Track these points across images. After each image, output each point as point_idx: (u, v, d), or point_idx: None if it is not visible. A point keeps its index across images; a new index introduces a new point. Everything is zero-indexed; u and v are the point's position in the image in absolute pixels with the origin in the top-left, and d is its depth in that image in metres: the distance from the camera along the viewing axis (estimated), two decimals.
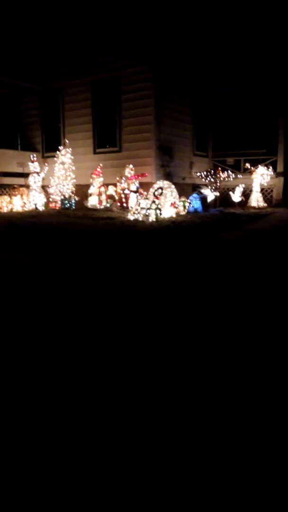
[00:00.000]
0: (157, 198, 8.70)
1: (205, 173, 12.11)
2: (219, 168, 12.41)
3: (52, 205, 11.56)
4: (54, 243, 6.72)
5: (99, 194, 9.98)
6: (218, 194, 11.89)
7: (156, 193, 8.78)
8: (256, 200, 12.14)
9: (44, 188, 11.95)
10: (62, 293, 3.76)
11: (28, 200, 11.76)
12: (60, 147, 11.72)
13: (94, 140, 11.91)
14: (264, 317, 3.00)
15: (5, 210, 11.24)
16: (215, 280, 4.18)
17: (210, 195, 11.42)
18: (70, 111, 12.32)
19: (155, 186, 9.14)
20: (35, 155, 12.25)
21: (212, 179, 11.85)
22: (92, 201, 10.23)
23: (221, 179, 11.78)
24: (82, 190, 11.60)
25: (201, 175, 12.16)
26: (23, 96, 13.41)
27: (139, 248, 6.02)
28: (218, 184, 11.81)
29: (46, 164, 12.08)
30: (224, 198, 12.51)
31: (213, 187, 11.68)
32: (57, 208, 11.41)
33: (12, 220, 9.31)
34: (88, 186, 11.22)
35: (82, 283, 4.16)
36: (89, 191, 10.17)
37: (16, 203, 11.37)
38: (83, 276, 4.49)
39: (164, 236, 6.83)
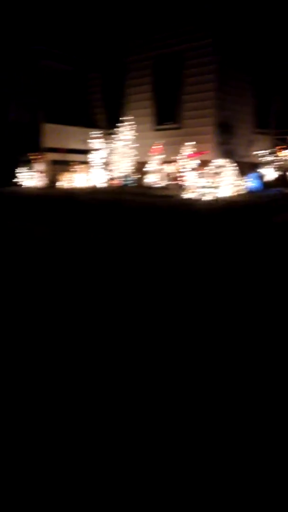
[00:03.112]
0: (215, 176, 8.72)
1: (266, 151, 11.81)
2: (281, 147, 12.05)
3: (112, 182, 11.89)
4: (111, 219, 7.03)
5: (158, 172, 10.12)
6: (278, 173, 11.60)
7: (214, 171, 8.79)
8: None
9: (104, 165, 12.29)
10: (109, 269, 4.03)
11: (89, 177, 12.18)
12: (121, 124, 11.93)
13: (155, 117, 11.98)
14: None
15: (66, 186, 11.76)
16: (267, 262, 4.26)
17: (270, 174, 11.18)
18: (132, 88, 12.43)
19: (214, 164, 9.14)
20: (97, 132, 12.57)
21: (273, 158, 11.56)
22: (151, 179, 10.41)
23: (283, 158, 11.46)
24: (141, 168, 11.79)
25: (261, 154, 11.89)
26: (87, 73, 13.66)
27: (193, 227, 6.16)
28: (279, 163, 11.51)
29: (107, 141, 12.37)
30: (284, 178, 12.17)
31: (274, 166, 11.40)
32: (117, 185, 11.73)
33: (72, 196, 9.77)
34: (147, 163, 11.38)
35: (134, 259, 4.41)
36: (148, 169, 10.34)
37: (78, 180, 11.83)
38: (135, 252, 4.74)
39: (220, 215, 6.90)
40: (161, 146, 10.96)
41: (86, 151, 12.77)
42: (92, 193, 10.29)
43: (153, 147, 10.68)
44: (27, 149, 12.10)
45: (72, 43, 12.43)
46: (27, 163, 12.28)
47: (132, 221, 6.82)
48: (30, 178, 11.80)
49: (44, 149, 12.10)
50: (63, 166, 12.61)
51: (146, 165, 11.27)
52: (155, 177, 10.26)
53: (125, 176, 11.60)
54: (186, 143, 10.46)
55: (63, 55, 12.21)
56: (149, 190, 10.26)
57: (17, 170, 12.14)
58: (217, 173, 8.79)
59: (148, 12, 11.66)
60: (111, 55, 12.76)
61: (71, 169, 12.10)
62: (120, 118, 12.71)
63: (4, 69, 13.70)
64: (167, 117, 11.74)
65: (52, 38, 11.94)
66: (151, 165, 10.35)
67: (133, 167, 11.78)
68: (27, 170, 12.00)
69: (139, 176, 11.64)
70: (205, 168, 9.62)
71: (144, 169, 11.67)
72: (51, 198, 9.44)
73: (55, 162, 12.47)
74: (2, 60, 13.39)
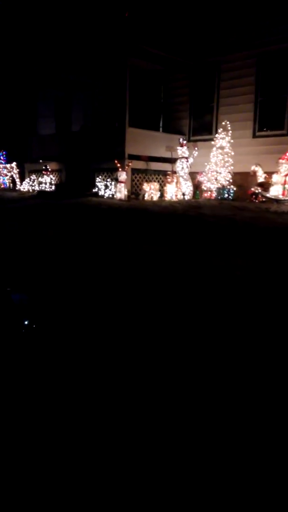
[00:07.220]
0: None
1: None
2: None
3: (206, 194, 10.43)
4: (258, 243, 5.54)
5: (284, 183, 8.60)
6: None
7: None
8: None
9: (190, 175, 10.87)
10: None
11: (176, 188, 10.73)
12: (219, 130, 10.52)
13: (255, 122, 10.50)
14: None
15: (154, 198, 10.32)
16: None
17: None
18: (227, 89, 10.99)
19: None
20: (184, 138, 11.20)
21: None
22: (274, 191, 8.86)
23: None
24: (236, 178, 10.37)
25: None
26: (170, 73, 12.29)
27: None
28: None
29: (196, 148, 10.96)
30: None
31: None
32: (212, 197, 10.27)
33: (178, 211, 8.34)
34: (246, 174, 9.98)
35: None
36: (273, 180, 8.83)
37: (169, 191, 10.41)
38: None
39: None
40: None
41: (171, 160, 11.38)
42: (195, 207, 8.84)
43: (286, 154, 9.17)
44: (106, 156, 10.78)
45: (160, 40, 11.10)
46: (107, 171, 10.96)
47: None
48: (111, 188, 10.45)
49: (126, 156, 10.72)
50: (145, 175, 11.23)
51: (245, 176, 9.85)
52: (280, 189, 8.70)
53: (223, 188, 10.14)
54: None
55: (150, 52, 10.86)
56: (264, 204, 8.74)
57: (97, 179, 10.81)
58: None
59: (253, 4, 10.26)
60: (202, 53, 11.37)
61: (157, 179, 10.69)
62: (209, 123, 11.37)
63: (87, 70, 12.41)
64: (271, 123, 10.25)
65: (140, 34, 10.64)
66: (276, 176, 8.83)
67: (230, 178, 10.34)
68: (108, 179, 10.67)
69: (237, 188, 10.19)
70: None
71: (236, 181, 10.24)
72: (153, 214, 8.02)
73: (137, 171, 11.09)
74: (86, 60, 12.07)
